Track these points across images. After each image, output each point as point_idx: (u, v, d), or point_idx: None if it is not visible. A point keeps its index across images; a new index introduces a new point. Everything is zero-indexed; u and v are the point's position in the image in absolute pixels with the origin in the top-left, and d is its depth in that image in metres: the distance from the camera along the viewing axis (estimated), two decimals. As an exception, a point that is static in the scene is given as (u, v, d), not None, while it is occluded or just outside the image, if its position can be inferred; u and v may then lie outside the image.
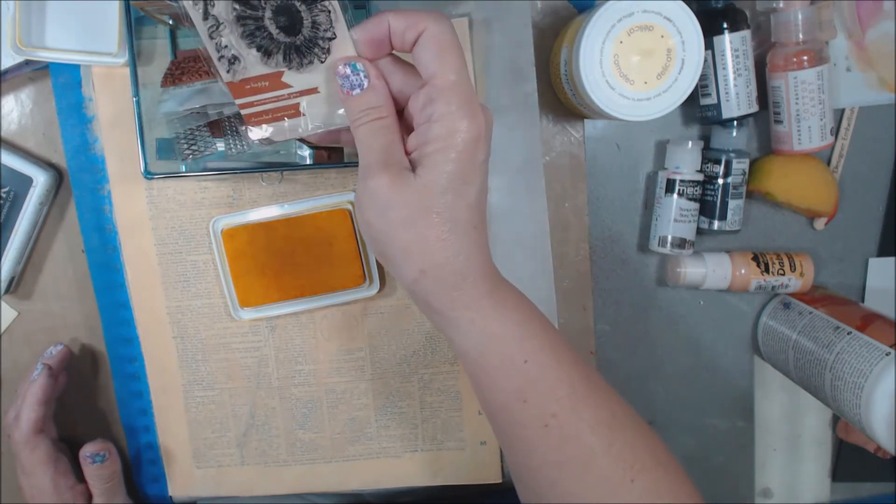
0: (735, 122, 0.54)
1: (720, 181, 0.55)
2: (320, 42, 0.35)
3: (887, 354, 0.46)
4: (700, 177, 0.55)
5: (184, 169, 0.52)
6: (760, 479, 0.63)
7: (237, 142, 0.51)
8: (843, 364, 0.49)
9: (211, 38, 0.34)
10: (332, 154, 0.54)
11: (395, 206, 0.35)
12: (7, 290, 0.55)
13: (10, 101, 0.55)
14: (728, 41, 0.51)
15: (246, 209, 0.55)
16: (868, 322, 0.50)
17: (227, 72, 0.36)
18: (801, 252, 0.58)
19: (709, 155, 0.55)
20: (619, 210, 0.58)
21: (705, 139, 0.56)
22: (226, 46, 0.35)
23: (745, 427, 0.62)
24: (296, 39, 0.35)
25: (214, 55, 0.35)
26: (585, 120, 0.57)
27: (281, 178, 0.55)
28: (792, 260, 0.57)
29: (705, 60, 0.51)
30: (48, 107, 0.55)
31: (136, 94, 0.49)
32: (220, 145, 0.52)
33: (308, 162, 0.54)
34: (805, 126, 0.52)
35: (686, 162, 0.54)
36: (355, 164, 0.54)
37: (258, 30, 0.34)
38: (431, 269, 0.36)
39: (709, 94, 0.53)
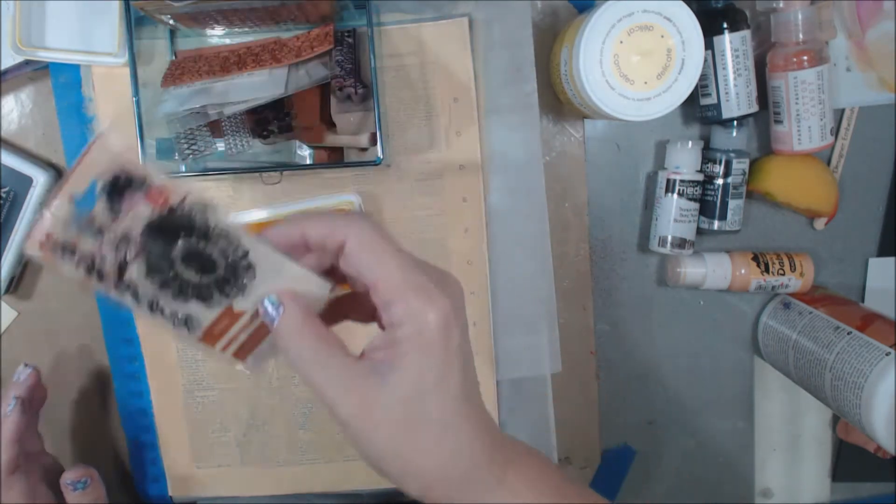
0: (735, 122, 0.54)
1: (720, 181, 0.55)
2: (241, 262, 0.33)
3: (887, 354, 0.46)
4: (700, 177, 0.55)
5: (184, 169, 0.52)
6: (760, 479, 0.63)
7: (237, 142, 0.51)
8: (843, 364, 0.49)
9: (154, 314, 0.33)
10: (332, 154, 0.54)
11: (377, 428, 0.32)
12: (7, 290, 0.55)
13: (10, 101, 0.55)
14: (728, 41, 0.51)
15: (246, 209, 0.55)
16: (868, 322, 0.50)
17: (191, 333, 0.34)
18: (801, 252, 0.58)
19: (709, 155, 0.55)
20: (619, 210, 0.58)
21: (705, 139, 0.56)
22: (173, 313, 0.34)
23: (745, 427, 0.62)
24: (217, 273, 0.33)
25: (171, 328, 0.34)
26: (585, 120, 0.57)
27: (281, 178, 0.55)
28: (792, 260, 0.57)
29: (705, 60, 0.51)
30: (48, 107, 0.55)
31: (136, 94, 0.49)
32: (220, 145, 0.52)
33: (308, 162, 0.54)
34: (805, 126, 0.52)
35: (686, 162, 0.54)
36: (355, 164, 0.54)
37: (182, 285, 0.33)
38: (436, 482, 0.33)
39: (709, 94, 0.53)
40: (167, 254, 0.32)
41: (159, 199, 0.31)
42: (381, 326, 0.34)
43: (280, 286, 0.33)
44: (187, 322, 0.34)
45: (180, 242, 0.32)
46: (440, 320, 0.32)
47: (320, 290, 0.34)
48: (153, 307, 0.34)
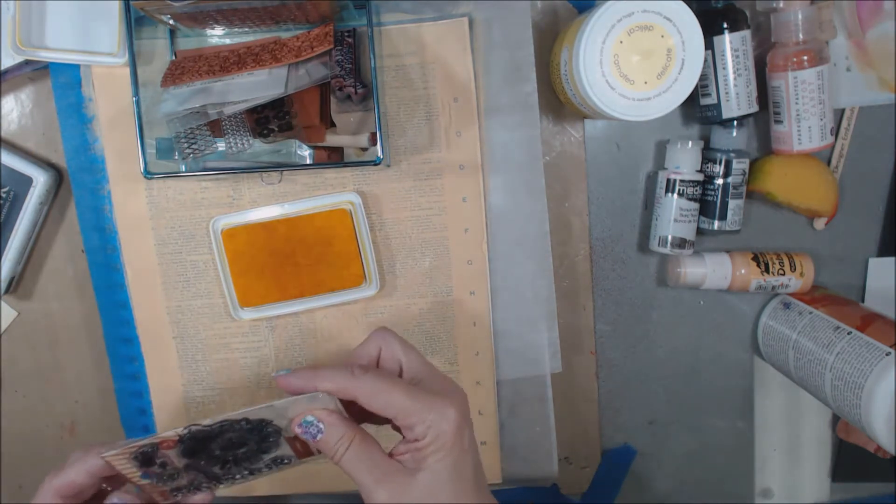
0: (735, 122, 0.54)
1: (720, 181, 0.55)
2: (252, 424, 0.40)
3: (887, 354, 0.46)
4: (700, 177, 0.55)
5: (184, 169, 0.52)
6: (760, 479, 0.63)
7: (237, 141, 0.51)
8: (843, 364, 0.49)
9: (257, 475, 0.44)
10: (332, 154, 0.54)
11: None
12: (7, 290, 0.55)
13: (10, 101, 0.55)
14: (728, 41, 0.51)
15: (246, 209, 0.55)
16: (868, 322, 0.50)
17: (291, 464, 0.44)
18: (801, 252, 0.58)
19: (709, 155, 0.55)
20: (619, 210, 0.58)
21: (705, 139, 0.56)
22: (267, 465, 0.43)
23: (745, 427, 0.62)
24: (250, 444, 0.41)
25: (276, 471, 0.44)
26: (585, 120, 0.57)
27: (281, 177, 0.55)
28: (792, 260, 0.57)
29: (705, 60, 0.51)
30: (48, 107, 0.55)
31: (136, 94, 0.49)
32: (220, 145, 0.52)
33: (308, 162, 0.54)
34: (805, 126, 0.52)
35: (686, 162, 0.54)
36: (355, 164, 0.54)
37: (243, 456, 0.42)
38: None
39: (709, 94, 0.53)
40: (211, 454, 0.41)
41: (170, 444, 0.39)
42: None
43: (303, 409, 0.40)
44: (278, 461, 0.43)
45: (210, 446, 0.40)
46: (453, 430, 0.39)
47: (331, 402, 0.40)
48: (253, 472, 0.43)
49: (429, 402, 0.39)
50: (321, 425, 0.39)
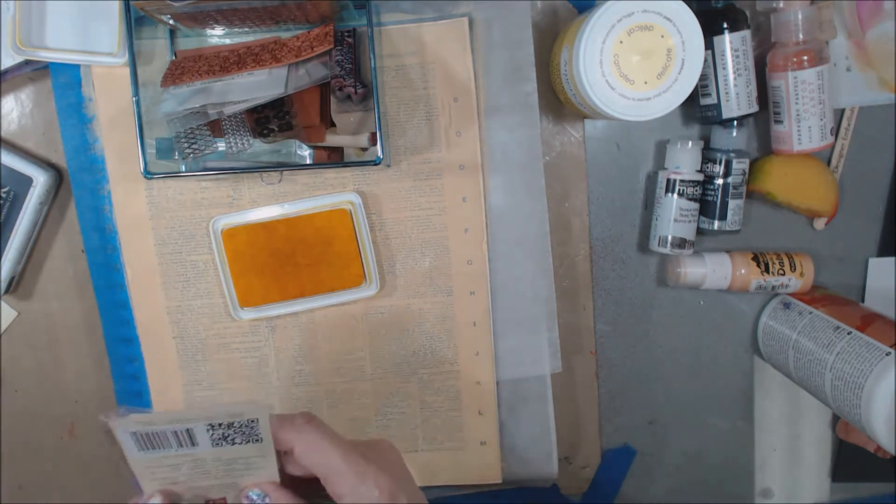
0: (735, 122, 0.54)
1: (720, 181, 0.55)
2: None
3: (887, 354, 0.46)
4: (700, 177, 0.55)
5: (184, 169, 0.52)
6: (760, 479, 0.63)
7: (237, 141, 0.51)
8: (843, 364, 0.49)
9: None
10: (332, 154, 0.54)
11: None
12: (7, 290, 0.55)
13: (10, 101, 0.55)
14: (728, 41, 0.51)
15: (246, 209, 0.55)
16: (868, 322, 0.50)
17: None
18: (801, 252, 0.58)
19: (709, 155, 0.55)
20: (619, 210, 0.58)
21: (705, 139, 0.56)
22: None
23: (745, 427, 0.62)
24: None
25: None
26: (585, 120, 0.57)
27: (281, 177, 0.55)
28: (792, 260, 0.57)
29: (705, 60, 0.51)
30: (48, 107, 0.55)
31: (136, 94, 0.49)
32: (221, 145, 0.52)
33: (308, 162, 0.54)
34: (805, 126, 0.52)
35: (686, 162, 0.54)
36: (355, 164, 0.54)
37: None
38: None
39: (709, 94, 0.53)
40: None
41: None
42: None
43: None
44: None
45: None
46: (386, 499, 0.37)
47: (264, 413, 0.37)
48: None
49: (362, 471, 0.36)
50: (267, 500, 0.38)
